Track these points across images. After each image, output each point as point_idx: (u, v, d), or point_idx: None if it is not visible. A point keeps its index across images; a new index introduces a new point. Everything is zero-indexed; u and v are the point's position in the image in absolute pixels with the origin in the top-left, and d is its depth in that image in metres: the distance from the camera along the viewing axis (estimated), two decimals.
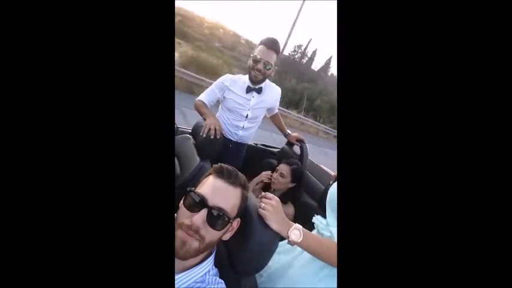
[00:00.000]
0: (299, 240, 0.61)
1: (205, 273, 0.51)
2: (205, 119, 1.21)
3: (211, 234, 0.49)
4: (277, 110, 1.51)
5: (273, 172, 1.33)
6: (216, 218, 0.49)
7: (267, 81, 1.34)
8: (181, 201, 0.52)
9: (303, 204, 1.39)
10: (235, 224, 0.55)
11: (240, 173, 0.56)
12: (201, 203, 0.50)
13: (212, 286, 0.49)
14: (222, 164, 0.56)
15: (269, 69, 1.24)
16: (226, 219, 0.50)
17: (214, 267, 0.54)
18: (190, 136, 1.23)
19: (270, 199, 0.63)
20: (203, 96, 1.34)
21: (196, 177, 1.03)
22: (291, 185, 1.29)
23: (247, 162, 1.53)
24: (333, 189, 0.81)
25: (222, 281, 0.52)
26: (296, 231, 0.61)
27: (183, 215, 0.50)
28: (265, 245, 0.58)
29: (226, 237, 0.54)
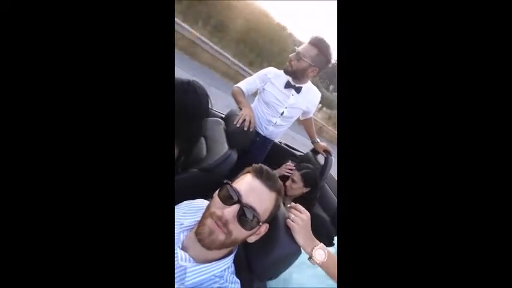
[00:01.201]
0: (323, 261, 0.60)
1: (224, 269, 0.51)
2: (240, 108, 1.20)
3: (238, 231, 0.50)
4: (311, 115, 1.48)
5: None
6: (247, 216, 0.50)
7: (309, 83, 1.30)
8: (217, 192, 0.53)
9: (314, 215, 1.37)
10: (263, 228, 0.55)
11: (278, 179, 0.56)
12: (235, 198, 0.50)
13: (229, 285, 0.50)
14: (263, 165, 0.56)
15: (299, 60, 1.16)
16: (256, 220, 0.50)
17: (233, 264, 0.55)
18: (222, 121, 1.23)
19: (300, 212, 0.62)
20: (242, 84, 1.32)
21: (222, 165, 1.04)
22: (305, 190, 1.27)
23: (268, 159, 1.52)
24: None
25: (239, 281, 0.52)
26: (321, 252, 0.60)
27: (216, 205, 0.51)
28: (287, 257, 0.58)
29: (252, 239, 0.54)
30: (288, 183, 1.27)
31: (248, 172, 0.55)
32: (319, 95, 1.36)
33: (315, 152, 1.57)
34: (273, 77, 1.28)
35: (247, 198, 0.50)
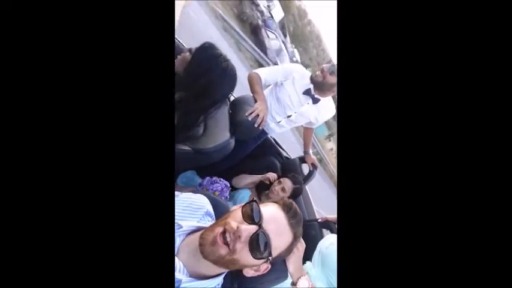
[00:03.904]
0: None
1: (215, 286, 0.50)
2: (255, 100, 1.11)
3: (242, 254, 0.47)
4: (314, 127, 1.45)
5: (270, 182, 1.31)
6: (259, 243, 0.47)
7: (329, 98, 1.25)
8: (242, 206, 0.50)
9: None
10: (264, 268, 0.53)
11: (302, 223, 0.54)
12: (256, 220, 0.47)
13: None
14: (293, 202, 0.53)
15: (332, 74, 1.11)
16: (267, 253, 0.48)
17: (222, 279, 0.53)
18: (227, 102, 1.13)
19: (299, 241, 0.62)
20: (263, 73, 1.20)
21: (219, 152, 0.97)
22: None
23: (254, 149, 1.48)
24: (330, 250, 0.82)
25: None
26: (305, 282, 0.63)
27: (234, 217, 0.48)
28: (274, 281, 0.61)
29: (249, 274, 0.52)
30: (277, 188, 1.26)
31: (276, 203, 0.53)
32: (334, 112, 1.33)
33: (301, 160, 1.58)
34: (298, 77, 1.20)
35: (267, 225, 0.48)
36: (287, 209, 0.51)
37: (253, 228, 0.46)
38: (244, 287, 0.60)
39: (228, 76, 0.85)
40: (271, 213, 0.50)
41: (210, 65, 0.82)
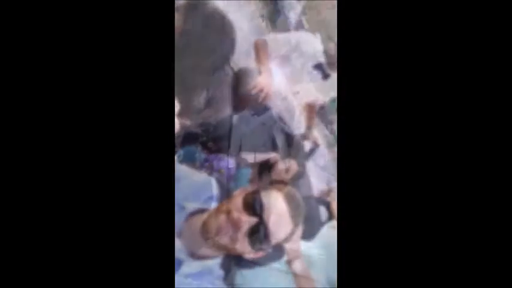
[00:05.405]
0: (298, 272, 0.65)
1: (214, 264, 0.52)
2: (260, 72, 1.04)
3: (243, 244, 0.47)
4: (319, 103, 1.40)
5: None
6: (259, 235, 0.47)
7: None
8: (244, 193, 0.49)
9: None
10: (261, 253, 0.53)
11: (303, 215, 0.53)
12: (257, 211, 0.47)
13: (215, 280, 0.51)
14: (297, 192, 0.53)
15: None
16: (266, 244, 0.48)
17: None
18: (230, 72, 1.06)
19: None
20: (271, 39, 1.11)
21: (221, 127, 0.94)
22: (287, 181, 1.29)
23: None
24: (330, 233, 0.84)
25: (223, 273, 0.53)
26: (298, 264, 0.66)
27: (235, 206, 0.47)
28: (272, 258, 0.63)
29: (249, 256, 0.53)
30: (280, 168, 1.24)
31: (280, 190, 0.51)
32: None
33: (304, 137, 1.56)
34: (309, 49, 1.10)
35: (268, 218, 0.47)
36: (290, 199, 0.50)
37: (253, 220, 0.46)
38: (241, 264, 0.63)
39: (226, 35, 0.78)
40: (273, 204, 0.48)
41: (205, 26, 0.73)
